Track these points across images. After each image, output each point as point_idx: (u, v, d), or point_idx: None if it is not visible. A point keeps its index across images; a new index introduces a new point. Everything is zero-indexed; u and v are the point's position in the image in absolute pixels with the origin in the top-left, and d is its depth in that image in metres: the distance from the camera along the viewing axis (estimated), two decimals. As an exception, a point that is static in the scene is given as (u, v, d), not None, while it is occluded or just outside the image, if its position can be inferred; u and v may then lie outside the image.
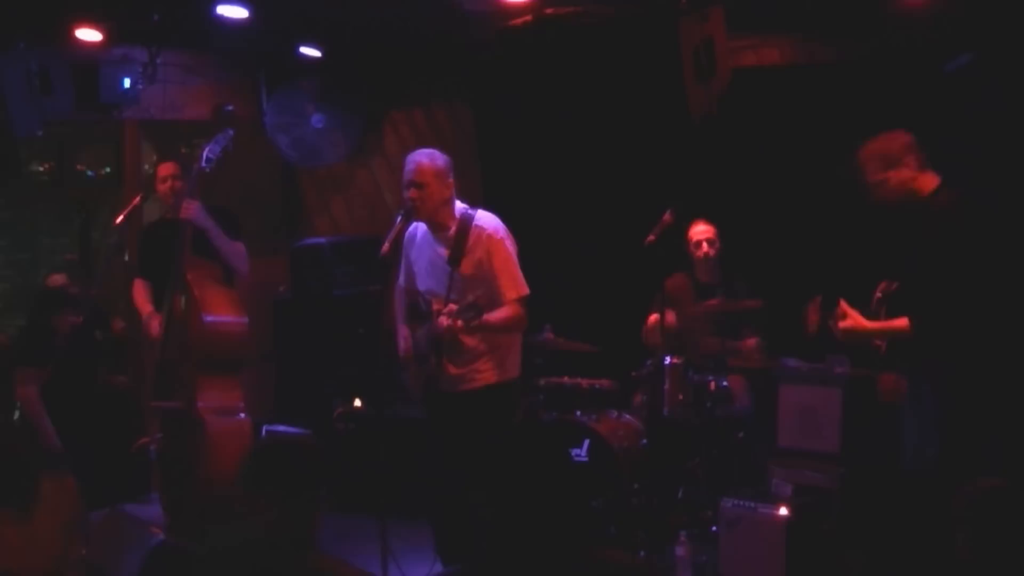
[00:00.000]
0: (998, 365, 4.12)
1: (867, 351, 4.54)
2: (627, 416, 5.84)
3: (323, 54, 7.01)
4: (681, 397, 5.57)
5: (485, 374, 4.62)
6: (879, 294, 4.44)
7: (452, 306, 4.39)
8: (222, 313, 5.39)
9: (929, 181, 4.20)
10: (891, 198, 4.22)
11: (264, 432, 6.44)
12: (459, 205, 4.66)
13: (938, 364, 4.15)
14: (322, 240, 7.47)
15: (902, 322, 4.17)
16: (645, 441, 5.61)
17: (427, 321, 4.60)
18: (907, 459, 4.36)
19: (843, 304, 4.28)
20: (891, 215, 4.34)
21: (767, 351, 5.84)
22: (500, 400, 4.66)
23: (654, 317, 5.85)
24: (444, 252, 4.62)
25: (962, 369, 4.10)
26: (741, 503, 4.90)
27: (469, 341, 4.57)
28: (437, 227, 4.64)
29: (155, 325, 5.52)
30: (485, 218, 4.66)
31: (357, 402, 6.73)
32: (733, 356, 5.80)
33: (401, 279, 4.86)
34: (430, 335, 4.55)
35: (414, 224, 4.74)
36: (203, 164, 5.46)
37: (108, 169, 8.18)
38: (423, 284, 4.72)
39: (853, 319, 4.26)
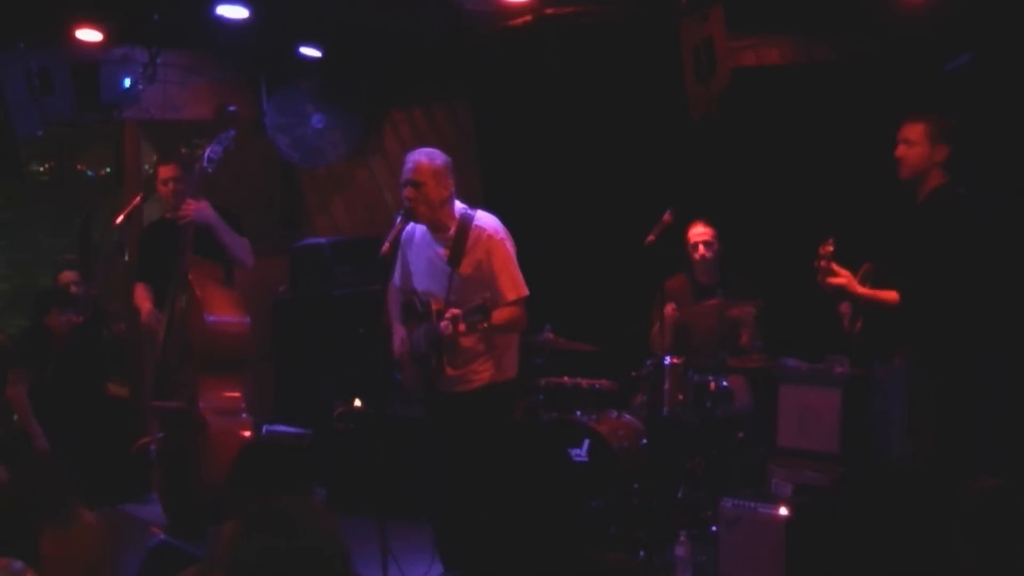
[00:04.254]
0: (977, 358, 4.21)
1: (844, 333, 4.60)
2: (627, 416, 5.84)
3: (323, 54, 7.00)
4: (681, 397, 5.56)
5: (483, 375, 4.62)
6: (861, 273, 4.50)
7: (454, 310, 4.38)
8: (224, 313, 5.39)
9: (940, 176, 4.35)
10: (909, 165, 4.36)
11: (264, 432, 6.45)
12: (458, 205, 4.65)
13: (916, 352, 4.23)
14: (322, 240, 7.47)
15: (891, 294, 4.25)
16: (645, 441, 5.61)
17: (424, 321, 4.59)
18: (876, 447, 4.43)
19: (835, 266, 4.39)
20: (886, 206, 4.43)
21: (766, 342, 5.83)
22: (498, 400, 4.66)
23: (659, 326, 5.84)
24: (443, 252, 4.61)
25: (941, 360, 4.17)
26: (741, 503, 4.91)
27: (466, 342, 4.56)
28: (436, 227, 4.64)
29: (152, 319, 5.52)
30: (484, 218, 4.65)
31: (357, 402, 6.74)
32: (733, 351, 5.79)
33: (396, 278, 4.85)
34: (430, 336, 4.54)
35: (412, 223, 4.73)
36: (205, 164, 5.47)
37: (108, 169, 8.19)
38: (421, 284, 4.71)
39: (846, 279, 4.38)
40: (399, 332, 4.75)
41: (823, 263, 4.41)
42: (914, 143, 4.35)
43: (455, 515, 4.63)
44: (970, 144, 5.09)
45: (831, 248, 4.45)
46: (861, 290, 4.37)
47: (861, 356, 4.82)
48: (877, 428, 4.49)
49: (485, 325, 4.30)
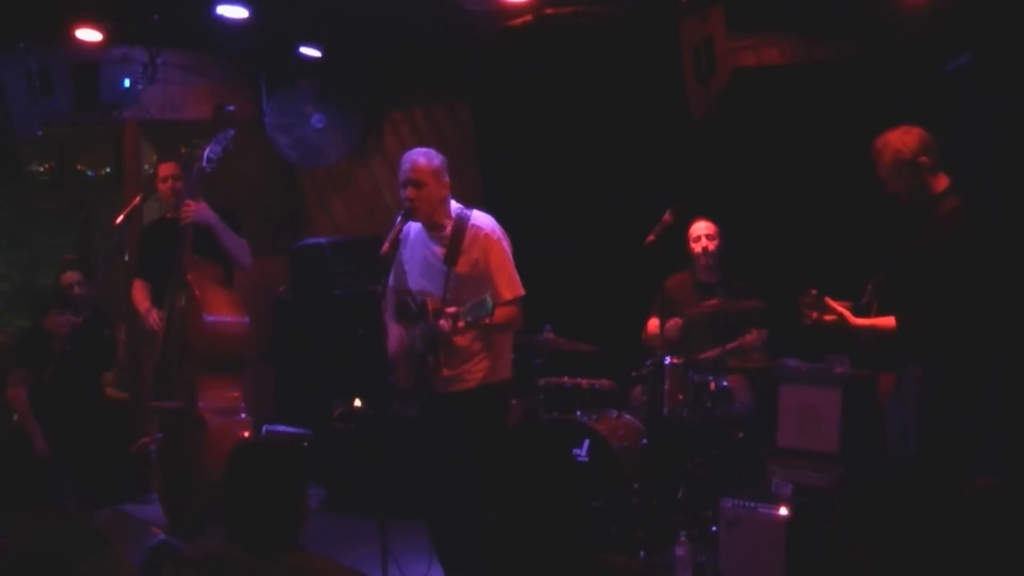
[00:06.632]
0: (982, 369, 4.16)
1: (860, 348, 4.57)
2: (627, 416, 5.84)
3: (323, 54, 7.00)
4: (681, 397, 5.56)
5: (478, 374, 4.62)
6: (872, 286, 4.46)
7: (452, 308, 4.38)
8: (223, 313, 5.39)
9: (940, 182, 4.25)
10: (899, 194, 4.26)
11: (264, 432, 6.45)
12: (454, 204, 4.65)
13: (924, 363, 4.19)
14: (322, 240, 7.47)
15: (888, 321, 4.22)
16: (645, 441, 5.61)
17: (419, 321, 4.58)
18: (891, 455, 4.41)
19: (828, 300, 4.31)
20: (891, 211, 4.37)
21: (768, 349, 5.83)
22: (492, 400, 4.65)
23: (654, 322, 5.85)
24: (439, 251, 4.61)
25: (946, 369, 4.13)
26: (741, 503, 4.91)
27: (462, 341, 4.56)
28: (432, 226, 4.63)
29: (154, 317, 5.52)
30: (481, 218, 4.65)
31: (357, 402, 6.73)
32: (734, 357, 5.79)
33: (390, 278, 4.83)
34: (427, 336, 4.53)
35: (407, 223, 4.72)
36: (204, 164, 5.46)
37: (108, 169, 8.18)
38: (416, 284, 4.70)
39: (838, 315, 4.30)
40: (394, 332, 4.74)
41: (806, 302, 4.36)
42: (890, 178, 4.23)
43: (451, 514, 4.63)
44: (970, 144, 5.09)
45: (813, 296, 4.38)
46: (856, 322, 4.32)
47: (879, 367, 4.80)
48: (893, 436, 4.46)
49: (487, 321, 4.29)
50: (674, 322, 5.84)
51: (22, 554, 2.20)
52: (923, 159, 4.19)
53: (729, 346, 5.80)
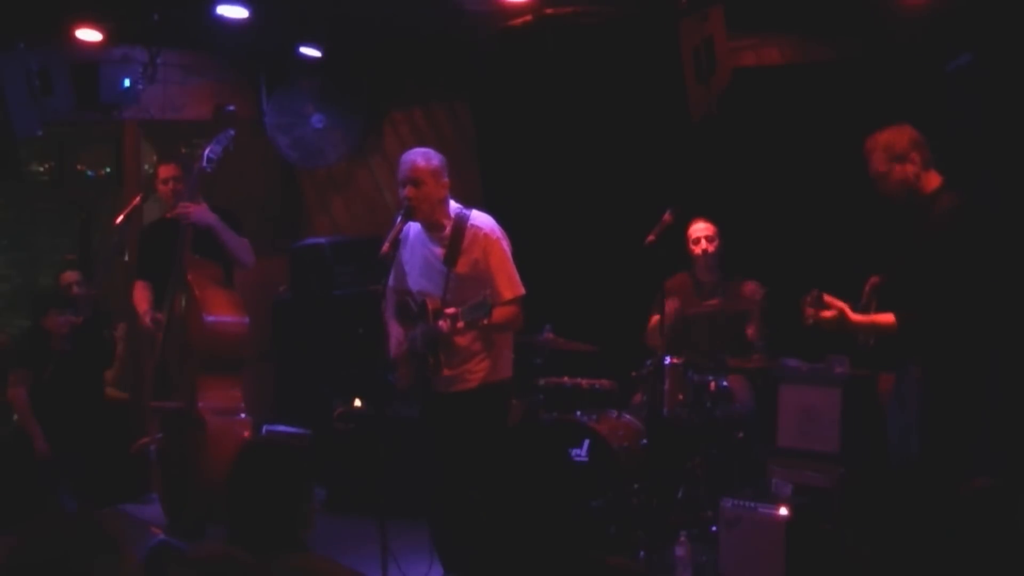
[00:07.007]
0: (982, 367, 4.16)
1: (859, 347, 4.56)
2: (627, 416, 5.84)
3: (323, 54, 7.01)
4: (681, 397, 5.56)
5: (479, 374, 4.62)
6: (870, 287, 4.46)
7: (452, 309, 4.38)
8: (223, 313, 5.40)
9: (932, 180, 4.25)
10: (892, 192, 4.26)
11: (264, 432, 6.46)
12: (453, 205, 4.65)
13: (923, 362, 4.19)
14: (322, 240, 7.47)
15: (888, 318, 4.22)
16: (645, 441, 5.61)
17: (420, 321, 4.59)
18: (891, 456, 4.41)
19: (827, 298, 4.31)
20: (889, 211, 4.37)
21: (768, 349, 5.83)
22: (493, 400, 4.66)
23: (656, 319, 5.85)
24: (439, 252, 4.61)
25: (945, 368, 4.13)
26: (741, 503, 4.91)
27: (462, 341, 4.56)
28: (432, 227, 4.64)
29: (149, 320, 5.52)
30: (480, 218, 4.65)
31: (357, 402, 6.74)
32: (738, 348, 5.79)
33: (390, 279, 4.84)
34: (427, 336, 4.53)
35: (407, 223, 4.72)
36: (204, 164, 5.47)
37: (108, 169, 8.18)
38: (416, 284, 4.70)
39: (837, 311, 4.29)
40: (396, 333, 4.75)
41: (809, 301, 4.35)
42: (883, 175, 4.24)
43: (452, 515, 4.63)
44: (970, 144, 5.08)
45: (815, 296, 4.37)
46: (856, 319, 4.32)
47: (879, 367, 4.80)
48: (893, 436, 4.46)
49: (486, 322, 4.30)
50: (672, 304, 5.81)
51: (30, 555, 2.20)
52: (913, 157, 4.21)
53: (729, 310, 5.78)
